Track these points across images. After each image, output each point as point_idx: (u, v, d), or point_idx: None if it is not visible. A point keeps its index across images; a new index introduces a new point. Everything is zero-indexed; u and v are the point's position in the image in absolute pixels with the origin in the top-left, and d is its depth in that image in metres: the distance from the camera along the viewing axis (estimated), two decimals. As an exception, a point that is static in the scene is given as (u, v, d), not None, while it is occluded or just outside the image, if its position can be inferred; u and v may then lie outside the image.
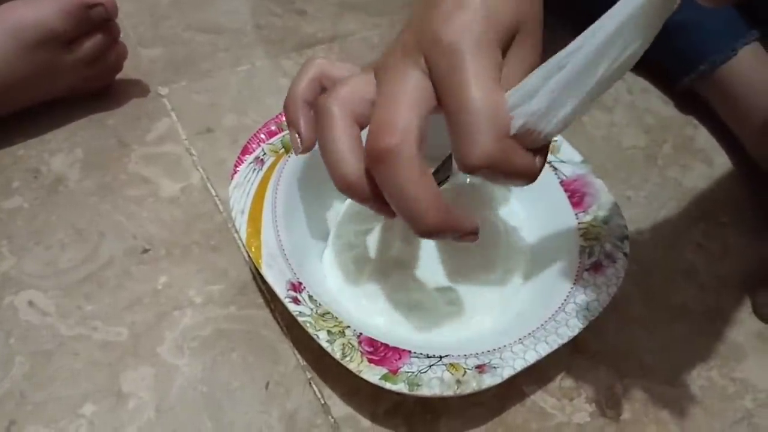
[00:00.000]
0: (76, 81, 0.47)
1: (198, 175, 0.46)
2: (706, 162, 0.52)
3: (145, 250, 0.42)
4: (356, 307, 0.38)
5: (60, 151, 0.46)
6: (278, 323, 0.39)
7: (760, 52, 0.51)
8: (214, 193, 0.45)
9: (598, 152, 0.51)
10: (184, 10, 0.58)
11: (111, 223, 0.43)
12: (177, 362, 0.37)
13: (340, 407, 0.36)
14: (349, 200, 0.42)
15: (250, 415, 0.35)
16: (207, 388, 0.36)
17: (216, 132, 0.49)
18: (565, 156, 0.43)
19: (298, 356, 0.38)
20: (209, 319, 0.39)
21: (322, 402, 0.36)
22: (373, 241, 0.41)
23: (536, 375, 0.38)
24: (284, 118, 0.42)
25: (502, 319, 0.38)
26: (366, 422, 0.36)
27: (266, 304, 0.40)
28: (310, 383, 0.37)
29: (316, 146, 0.32)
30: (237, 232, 0.43)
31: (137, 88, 0.51)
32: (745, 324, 0.42)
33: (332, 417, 0.36)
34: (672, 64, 0.54)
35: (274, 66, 0.54)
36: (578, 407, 0.37)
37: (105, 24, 0.45)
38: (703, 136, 0.54)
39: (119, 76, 0.50)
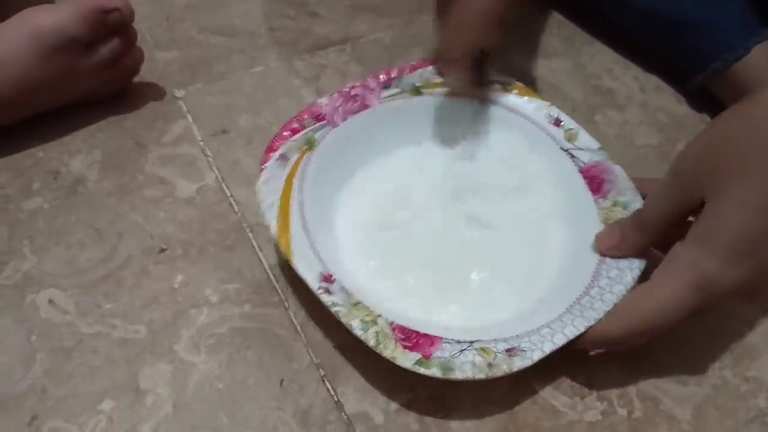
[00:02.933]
0: (93, 85, 0.48)
1: (213, 176, 0.47)
2: (720, 160, 0.52)
3: (162, 250, 0.42)
4: (384, 297, 0.39)
5: (79, 152, 0.47)
6: (292, 321, 0.40)
7: (774, 50, 0.50)
8: (228, 194, 0.46)
9: (610, 150, 0.50)
10: (199, 13, 0.59)
11: (129, 223, 0.44)
12: (194, 359, 0.38)
13: (353, 404, 0.37)
14: (373, 194, 0.44)
15: (265, 412, 0.36)
16: (223, 385, 0.37)
17: (231, 133, 0.49)
18: (582, 143, 0.44)
19: (312, 354, 0.38)
20: (225, 318, 0.40)
21: (336, 399, 0.37)
22: (400, 231, 0.42)
23: (548, 373, 0.38)
24: (306, 115, 0.44)
25: (527, 305, 0.39)
26: (379, 419, 0.36)
27: (280, 303, 0.40)
28: (323, 380, 0.37)
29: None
30: (251, 232, 0.43)
31: (153, 91, 0.52)
32: (758, 323, 0.42)
33: (345, 414, 0.36)
34: (685, 62, 0.54)
35: (287, 67, 0.55)
36: (590, 405, 0.37)
37: (122, 28, 0.46)
38: (717, 135, 0.53)
39: (136, 78, 0.51)
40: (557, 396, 0.38)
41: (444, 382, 0.37)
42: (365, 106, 0.45)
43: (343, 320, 0.35)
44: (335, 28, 0.59)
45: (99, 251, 0.42)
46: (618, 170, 0.42)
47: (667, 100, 0.56)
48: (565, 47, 0.59)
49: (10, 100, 0.44)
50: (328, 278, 0.37)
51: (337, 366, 0.38)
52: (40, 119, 0.47)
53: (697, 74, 0.53)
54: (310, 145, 0.42)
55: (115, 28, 0.46)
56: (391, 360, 0.34)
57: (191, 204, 0.45)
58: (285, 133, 0.42)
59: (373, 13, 0.60)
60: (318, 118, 0.44)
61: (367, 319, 0.35)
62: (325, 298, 0.36)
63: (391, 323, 0.35)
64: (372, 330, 0.35)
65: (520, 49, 0.58)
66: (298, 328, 0.39)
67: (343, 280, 0.37)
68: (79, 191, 0.45)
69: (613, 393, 0.38)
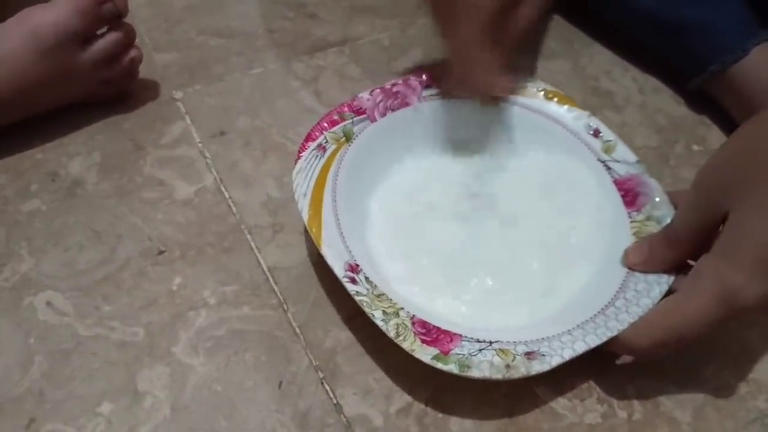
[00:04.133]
0: (92, 85, 0.48)
1: (212, 178, 0.47)
2: (719, 162, 0.52)
3: (161, 252, 0.42)
4: (407, 291, 0.39)
5: (77, 154, 0.47)
6: (291, 323, 0.40)
7: (772, 52, 0.50)
8: (227, 195, 0.46)
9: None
10: (198, 15, 0.58)
11: (127, 225, 0.43)
12: (192, 362, 0.38)
13: (352, 407, 0.36)
14: (406, 190, 0.44)
15: (264, 414, 0.36)
16: (221, 388, 0.37)
17: (229, 134, 0.49)
18: (620, 156, 0.44)
19: (311, 356, 0.38)
20: (223, 320, 0.39)
21: (335, 402, 0.37)
22: (429, 229, 0.43)
23: (548, 375, 0.37)
24: (346, 108, 0.44)
25: (551, 310, 0.39)
26: (378, 422, 0.36)
27: (279, 305, 0.40)
28: (322, 383, 0.37)
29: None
30: (250, 233, 0.43)
31: (152, 92, 0.52)
32: (758, 324, 0.42)
33: (344, 416, 0.36)
34: (683, 64, 0.54)
35: (285, 69, 0.55)
36: (590, 408, 0.37)
37: (117, 22, 0.46)
38: (716, 136, 0.54)
39: (135, 80, 0.51)
40: (557, 398, 0.38)
41: (444, 384, 0.37)
42: (405, 104, 0.46)
43: (366, 310, 0.35)
44: (334, 29, 0.59)
45: (97, 253, 0.42)
46: (654, 184, 0.42)
47: (665, 102, 0.56)
48: (564, 49, 0.59)
49: (10, 100, 0.44)
50: (354, 268, 0.37)
51: (336, 368, 0.38)
52: (38, 121, 0.47)
53: (695, 76, 0.53)
54: (348, 137, 0.43)
55: (109, 20, 0.46)
56: (410, 353, 0.34)
57: (189, 206, 0.45)
58: (324, 124, 0.43)
59: (371, 15, 0.60)
60: (358, 112, 0.44)
61: (390, 310, 0.36)
62: (350, 287, 0.36)
63: (412, 317, 0.36)
64: (393, 322, 0.35)
65: (519, 51, 0.58)
66: (297, 330, 0.39)
67: (368, 271, 0.37)
68: (78, 193, 0.45)
69: (613, 395, 0.38)
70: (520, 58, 0.58)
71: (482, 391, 0.37)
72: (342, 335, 0.39)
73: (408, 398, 0.37)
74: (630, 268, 0.39)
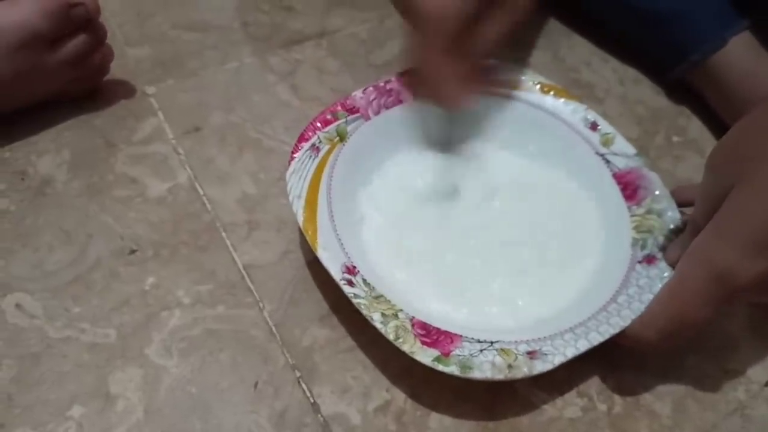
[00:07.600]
0: (61, 84, 0.46)
1: (185, 175, 0.46)
2: (699, 153, 0.52)
3: (133, 251, 0.41)
4: (406, 292, 0.38)
5: (47, 152, 0.46)
6: (267, 322, 0.39)
7: (751, 42, 0.50)
8: (201, 193, 0.45)
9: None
10: (171, 9, 0.57)
11: (98, 224, 0.42)
12: (165, 363, 0.37)
13: (329, 406, 0.36)
14: (402, 189, 0.43)
15: (239, 416, 0.35)
16: (195, 389, 0.36)
17: (204, 130, 0.48)
18: (618, 149, 0.44)
19: (287, 355, 0.38)
20: (197, 320, 0.39)
21: (312, 401, 0.36)
22: (426, 228, 0.42)
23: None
24: (339, 107, 0.43)
25: (553, 309, 0.38)
26: (356, 420, 0.36)
27: (255, 303, 0.40)
28: (299, 382, 0.37)
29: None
30: (225, 231, 0.43)
31: (124, 88, 0.50)
32: (738, 315, 0.42)
33: (321, 416, 0.36)
34: (662, 54, 0.54)
35: (261, 63, 0.54)
36: (569, 401, 0.37)
37: (88, 24, 0.45)
38: (696, 127, 0.53)
39: (106, 76, 0.50)
40: (536, 392, 0.37)
41: (423, 380, 0.37)
42: (399, 101, 0.45)
43: (364, 312, 0.35)
44: (310, 22, 0.58)
45: (67, 253, 0.41)
46: (654, 177, 0.42)
47: (645, 93, 0.56)
48: (543, 40, 0.59)
49: (-26, 99, 0.43)
50: (351, 270, 0.36)
51: (313, 367, 0.37)
52: (6, 118, 0.46)
53: (675, 66, 0.53)
54: (341, 136, 0.42)
55: (80, 24, 0.44)
56: (410, 355, 0.34)
57: (163, 204, 0.44)
58: (317, 124, 0.42)
59: (349, 7, 0.60)
60: (351, 110, 0.43)
61: (388, 312, 0.35)
62: (347, 290, 0.35)
63: (412, 318, 0.35)
64: (392, 324, 0.34)
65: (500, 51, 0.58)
66: (273, 328, 0.39)
67: (366, 273, 0.37)
68: (47, 192, 0.44)
69: (592, 388, 0.38)
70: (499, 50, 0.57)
71: (462, 386, 0.37)
72: (319, 333, 0.39)
73: (386, 395, 0.36)
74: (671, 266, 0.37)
